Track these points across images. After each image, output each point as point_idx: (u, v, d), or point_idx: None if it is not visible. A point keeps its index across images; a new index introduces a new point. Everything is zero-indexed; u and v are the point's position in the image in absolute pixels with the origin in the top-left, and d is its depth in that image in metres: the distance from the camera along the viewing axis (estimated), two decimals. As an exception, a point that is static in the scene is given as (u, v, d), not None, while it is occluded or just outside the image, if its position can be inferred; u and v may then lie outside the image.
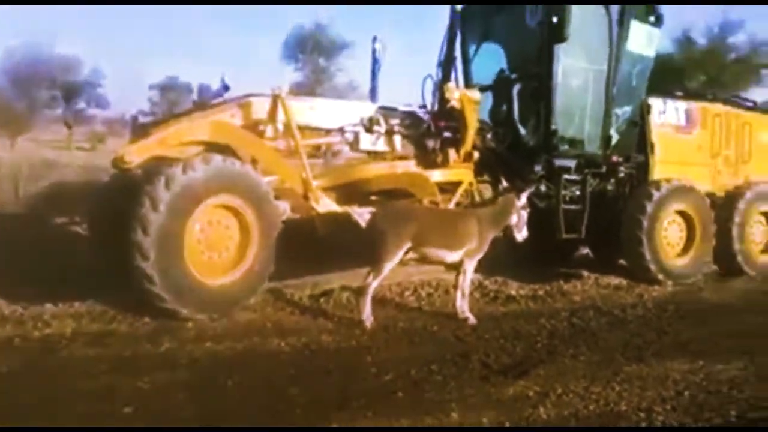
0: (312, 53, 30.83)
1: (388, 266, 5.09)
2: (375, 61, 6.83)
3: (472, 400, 3.65)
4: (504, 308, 5.97)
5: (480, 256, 5.39)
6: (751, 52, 27.47)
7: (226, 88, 6.06)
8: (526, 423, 3.37)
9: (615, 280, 7.15)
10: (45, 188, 10.62)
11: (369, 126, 6.18)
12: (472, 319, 5.27)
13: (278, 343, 4.60)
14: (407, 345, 4.72)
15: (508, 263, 7.12)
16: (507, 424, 3.33)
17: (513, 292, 6.46)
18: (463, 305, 5.36)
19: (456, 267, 5.42)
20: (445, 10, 7.29)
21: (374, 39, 6.79)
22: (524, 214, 5.46)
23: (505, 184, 6.50)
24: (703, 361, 4.36)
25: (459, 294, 5.37)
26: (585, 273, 7.45)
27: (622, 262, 7.55)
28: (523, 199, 5.45)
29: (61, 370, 4.01)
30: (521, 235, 5.46)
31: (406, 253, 5.19)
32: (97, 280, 5.82)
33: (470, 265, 5.36)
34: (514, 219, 5.40)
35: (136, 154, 5.14)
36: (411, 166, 6.28)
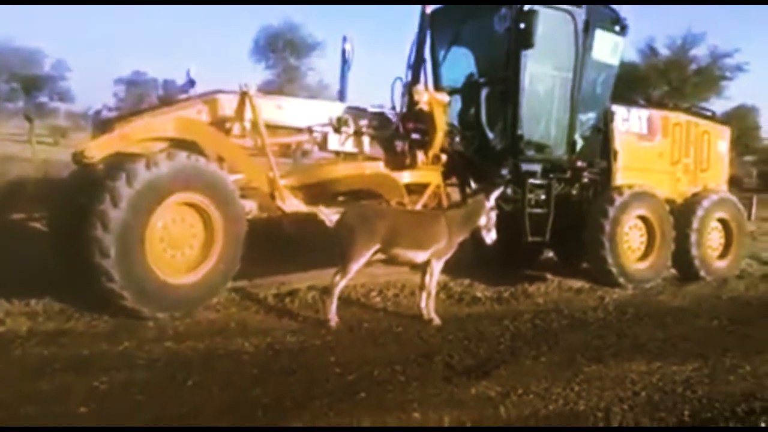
0: (283, 52, 30.61)
1: (356, 267, 5.08)
2: (344, 61, 6.79)
3: (434, 400, 3.67)
4: (469, 309, 6.02)
5: (447, 256, 5.42)
6: (712, 63, 28.38)
7: (192, 83, 5.95)
8: (488, 423, 3.40)
9: (577, 284, 7.28)
10: (4, 183, 10.31)
11: (337, 126, 6.15)
12: (436, 320, 5.30)
13: (241, 343, 4.54)
14: (371, 345, 4.71)
15: (474, 265, 7.20)
16: (468, 424, 3.35)
17: (478, 294, 6.52)
18: (428, 306, 5.38)
19: (422, 268, 5.44)
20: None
21: (344, 39, 6.75)
22: (493, 215, 5.46)
23: (473, 186, 6.56)
24: (659, 363, 4.48)
25: (424, 295, 5.40)
26: (548, 276, 7.58)
27: (585, 265, 7.69)
28: (492, 200, 5.46)
29: (14, 370, 3.88)
30: (490, 236, 5.46)
31: (375, 253, 5.20)
32: (55, 278, 5.67)
33: (437, 266, 5.37)
34: (483, 220, 5.40)
35: (97, 150, 4.99)
36: (379, 167, 6.26)
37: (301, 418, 3.34)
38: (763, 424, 3.48)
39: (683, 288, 7.47)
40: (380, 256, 5.34)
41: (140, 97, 34.81)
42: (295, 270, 6.52)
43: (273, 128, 5.86)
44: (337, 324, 5.03)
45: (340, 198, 6.39)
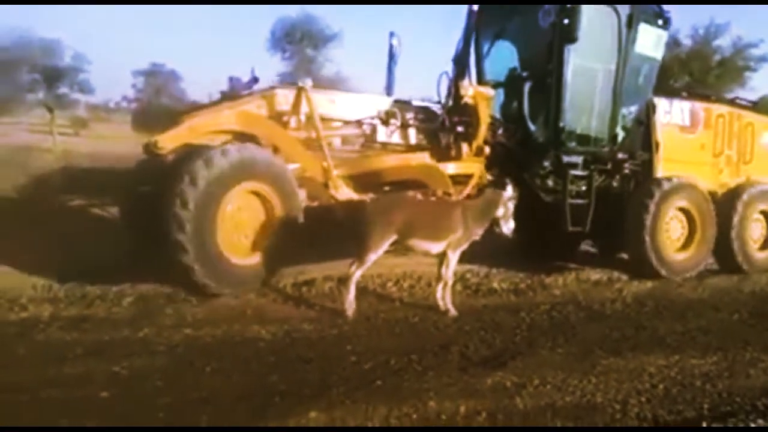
0: (300, 43, 30.53)
1: (373, 257, 5.10)
2: (391, 57, 7.03)
3: (450, 389, 3.67)
4: (485, 300, 6.00)
5: (464, 247, 5.39)
6: (735, 54, 27.77)
7: (255, 80, 6.28)
8: (504, 413, 3.40)
9: (595, 275, 7.23)
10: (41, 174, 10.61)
11: (386, 119, 6.44)
12: (453, 311, 5.30)
13: (258, 331, 4.58)
14: (388, 335, 4.72)
15: (494, 254, 7.18)
16: (484, 414, 3.35)
17: (495, 285, 6.49)
18: (444, 297, 5.38)
19: (439, 258, 5.42)
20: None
21: (391, 34, 7.03)
22: (511, 206, 5.45)
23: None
24: (678, 356, 4.43)
25: (441, 285, 5.39)
26: (566, 267, 7.52)
27: (623, 255, 7.72)
28: (510, 190, 5.45)
29: (36, 355, 3.97)
30: (508, 227, 5.45)
31: (393, 244, 5.21)
32: (76, 265, 5.79)
33: (453, 257, 5.35)
34: (501, 211, 5.39)
35: (168, 141, 5.43)
36: (425, 158, 6.50)
37: (318, 405, 3.36)
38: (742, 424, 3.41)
39: (704, 281, 7.36)
40: (399, 245, 5.35)
41: (158, 88, 35.07)
42: (313, 260, 6.55)
43: (326, 121, 6.14)
44: (353, 314, 5.05)
45: (386, 188, 6.52)
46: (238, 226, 5.44)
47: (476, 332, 4.84)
